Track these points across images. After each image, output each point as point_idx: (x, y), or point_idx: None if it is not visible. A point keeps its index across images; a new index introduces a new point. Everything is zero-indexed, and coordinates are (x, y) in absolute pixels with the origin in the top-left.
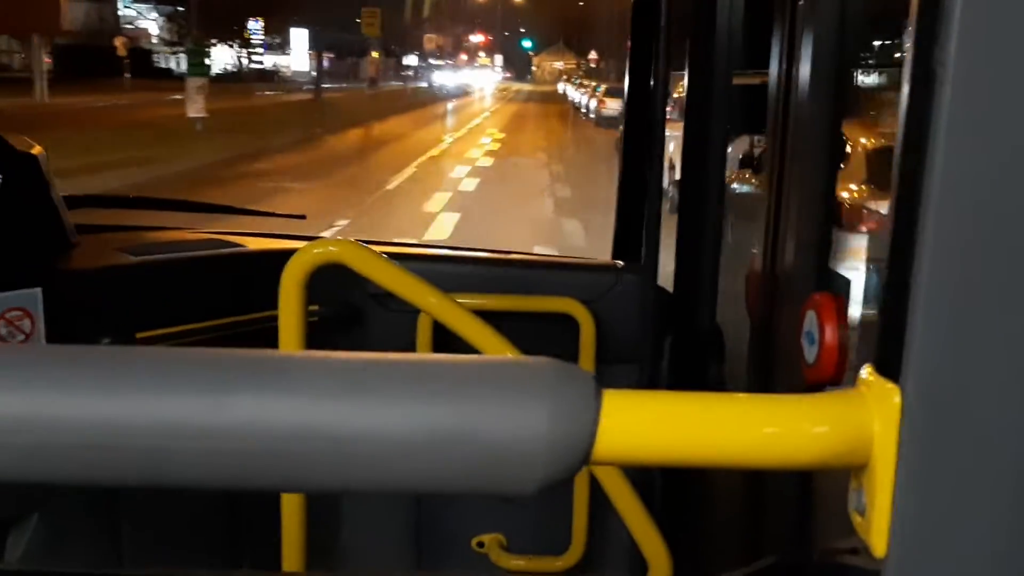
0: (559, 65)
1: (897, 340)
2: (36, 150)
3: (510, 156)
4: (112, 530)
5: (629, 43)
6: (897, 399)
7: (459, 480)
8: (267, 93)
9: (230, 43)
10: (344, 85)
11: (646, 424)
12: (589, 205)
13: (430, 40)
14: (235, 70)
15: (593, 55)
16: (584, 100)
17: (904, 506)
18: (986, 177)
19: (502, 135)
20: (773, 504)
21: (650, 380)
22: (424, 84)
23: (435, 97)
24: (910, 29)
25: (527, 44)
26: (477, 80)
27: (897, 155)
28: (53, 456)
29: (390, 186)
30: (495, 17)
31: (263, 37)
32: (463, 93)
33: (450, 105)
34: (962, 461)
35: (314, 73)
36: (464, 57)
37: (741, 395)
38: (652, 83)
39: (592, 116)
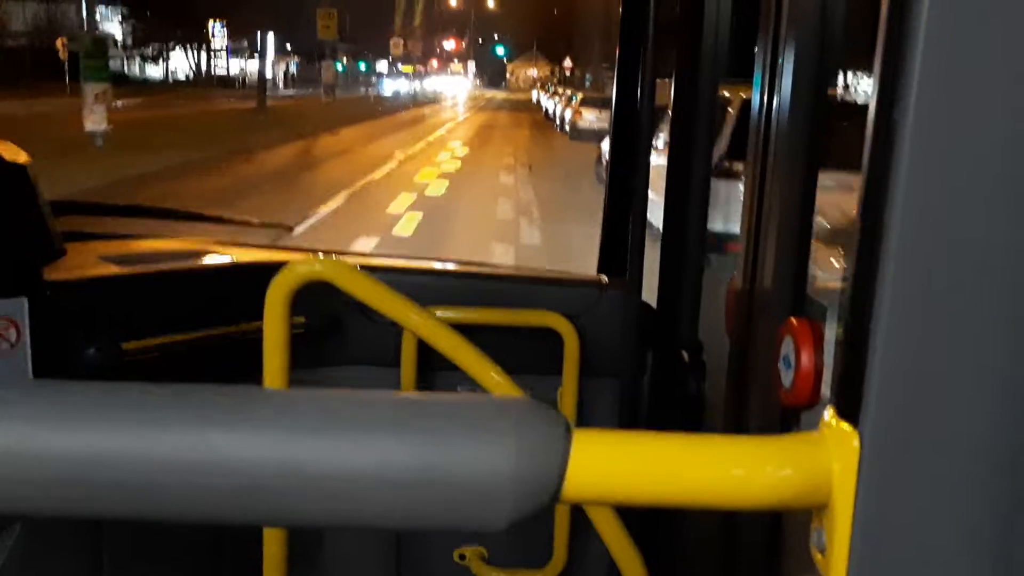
0: (533, 72)
1: (856, 386)
2: (23, 159)
3: (468, 180)
4: (94, 547)
5: (617, 56)
6: (856, 443)
7: (430, 517)
8: (210, 100)
9: (189, 46)
10: (309, 92)
11: (615, 465)
12: (561, 258)
13: (396, 45)
14: (194, 76)
15: (568, 63)
16: (558, 110)
17: (862, 546)
18: (944, 229)
19: (464, 151)
20: (746, 531)
21: (632, 395)
22: (390, 92)
23: (400, 106)
24: (875, 72)
25: (500, 51)
26: (449, 87)
27: (860, 203)
28: (34, 489)
29: (301, 227)
30: (468, 23)
31: (226, 41)
32: (431, 101)
33: (414, 114)
34: (918, 503)
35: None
36: (435, 64)
37: (708, 436)
38: (639, 97)
39: (567, 129)
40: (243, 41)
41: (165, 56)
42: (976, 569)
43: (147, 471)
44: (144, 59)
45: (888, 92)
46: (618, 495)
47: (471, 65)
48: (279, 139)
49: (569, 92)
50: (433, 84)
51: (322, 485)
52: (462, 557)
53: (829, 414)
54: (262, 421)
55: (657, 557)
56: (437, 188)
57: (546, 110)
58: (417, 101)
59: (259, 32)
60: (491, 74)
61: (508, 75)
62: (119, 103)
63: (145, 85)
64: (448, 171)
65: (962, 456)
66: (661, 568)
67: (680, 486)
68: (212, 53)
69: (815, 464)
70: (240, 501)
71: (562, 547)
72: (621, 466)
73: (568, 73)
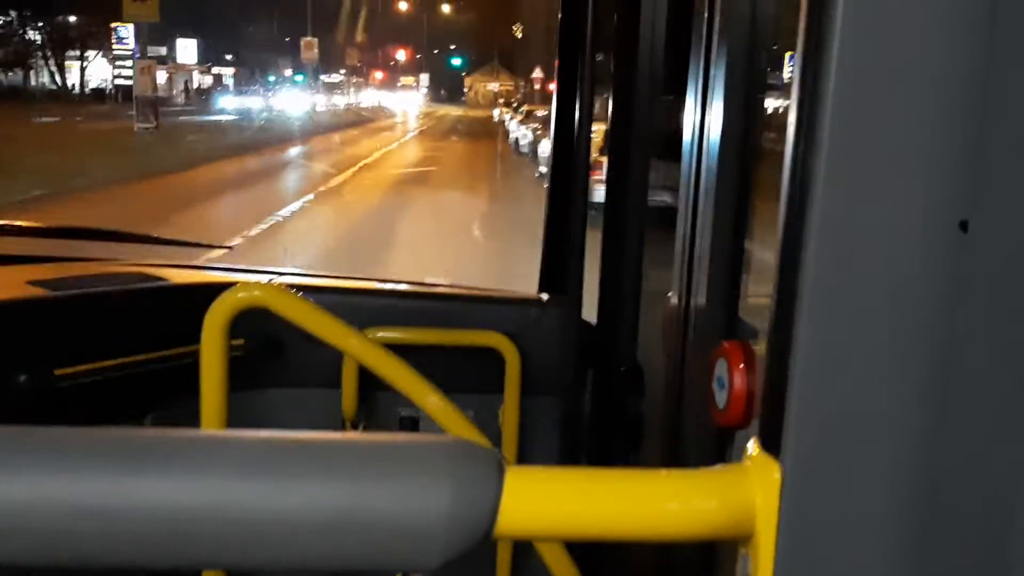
0: (494, 87)
1: (777, 418)
2: None
3: None
4: None
5: (556, 72)
6: (777, 475)
7: (362, 558)
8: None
9: (81, 56)
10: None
11: (547, 501)
12: None
13: (309, 47)
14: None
15: (538, 73)
16: (527, 137)
17: (785, 575)
18: (854, 271)
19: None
20: (685, 554)
21: (573, 413)
22: (298, 111)
23: (323, 127)
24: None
25: (457, 62)
26: (394, 103)
27: (780, 231)
28: None
29: None
30: (421, 32)
31: (130, 48)
32: (367, 120)
33: (334, 139)
34: (839, 534)
35: (231, 90)
36: (379, 75)
37: (636, 471)
38: (578, 115)
39: (543, 169)
40: (161, 48)
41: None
42: None
43: (67, 517)
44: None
45: (801, 143)
46: (550, 531)
47: (424, 78)
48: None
49: (542, 111)
50: (374, 99)
51: (249, 530)
52: None
53: (753, 446)
54: (186, 465)
55: None
56: None
57: (515, 140)
58: (353, 122)
59: (198, 40)
60: (448, 88)
61: (466, 89)
62: None
63: None
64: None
65: (881, 487)
66: None
67: (611, 521)
68: (118, 63)
69: (739, 496)
70: (163, 546)
71: (505, 572)
72: (553, 503)
73: (538, 86)
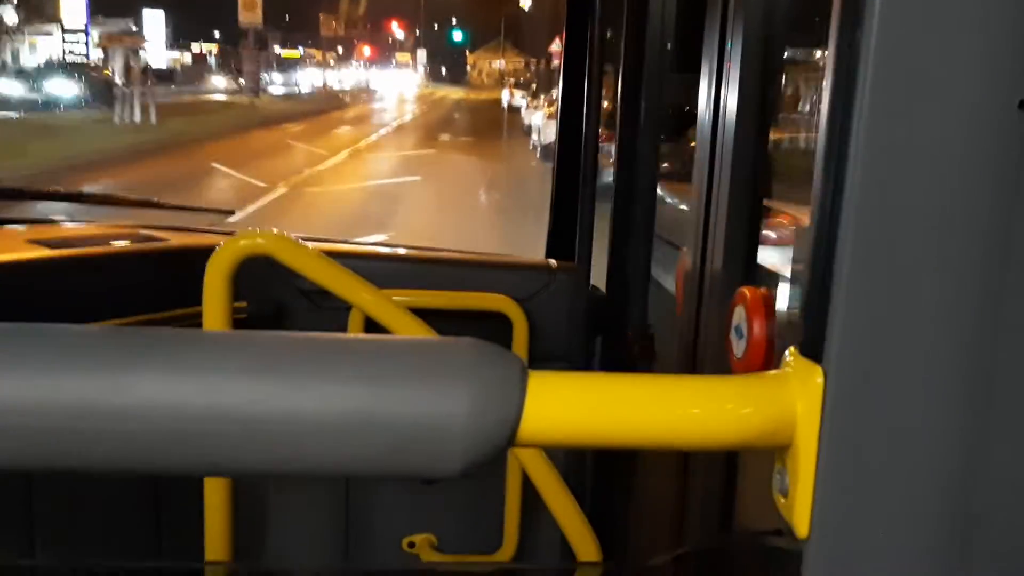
0: (500, 64)
1: (820, 322)
2: None
3: None
4: (25, 516)
5: (563, 44)
6: (820, 380)
7: (380, 461)
8: None
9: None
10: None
11: (572, 406)
12: None
13: (249, 4)
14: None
15: (557, 46)
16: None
17: (826, 486)
18: (901, 177)
19: None
20: (701, 488)
21: None
22: (300, 89)
23: (255, 120)
24: (831, 38)
25: (458, 36)
26: (389, 83)
27: (819, 154)
28: None
29: None
30: (418, 4)
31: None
32: (332, 108)
33: (248, 144)
34: (883, 442)
35: (184, 70)
36: (366, 51)
37: (666, 376)
38: (586, 82)
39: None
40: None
41: None
42: (942, 509)
43: (73, 417)
44: None
45: (847, 32)
46: (576, 436)
47: (421, 55)
48: None
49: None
50: (362, 78)
51: (258, 430)
52: (411, 545)
53: (791, 352)
54: (195, 363)
55: (609, 534)
56: None
57: (540, 145)
58: (324, 108)
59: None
60: (449, 67)
61: (469, 68)
62: None
63: None
64: None
65: (929, 391)
66: (612, 537)
67: (639, 426)
68: (68, 39)
69: (778, 402)
70: (166, 447)
71: (513, 532)
72: (578, 407)
73: (558, 61)
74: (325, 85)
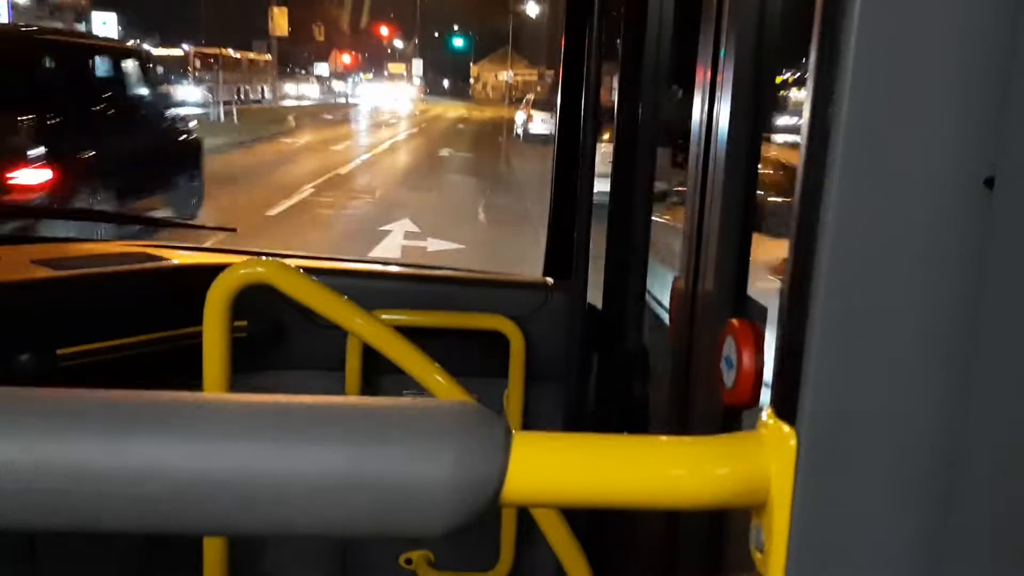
0: (507, 76)
1: (793, 386)
2: None
3: None
4: (27, 555)
5: (561, 61)
6: (793, 442)
7: (365, 524)
8: None
9: None
10: None
11: (555, 468)
12: None
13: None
14: None
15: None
16: None
17: (800, 544)
18: (871, 247)
19: None
20: (687, 532)
21: (577, 398)
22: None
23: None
24: (809, 78)
25: (459, 43)
26: (378, 96)
27: (793, 221)
28: None
29: None
30: (413, 8)
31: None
32: (261, 139)
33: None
34: (854, 502)
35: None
36: (346, 60)
37: (647, 438)
38: (584, 100)
39: None
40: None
41: None
42: (912, 565)
43: (73, 480)
44: None
45: (823, 92)
46: (559, 498)
47: (417, 65)
48: None
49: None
50: (342, 89)
51: (254, 494)
52: (408, 562)
53: (767, 414)
54: (187, 427)
55: (602, 559)
56: None
57: None
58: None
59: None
60: (451, 78)
61: (472, 80)
62: None
63: None
64: None
65: (898, 455)
66: (606, 570)
67: (620, 487)
68: None
69: (753, 463)
70: (168, 510)
71: (509, 550)
72: (561, 469)
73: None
74: (266, 99)
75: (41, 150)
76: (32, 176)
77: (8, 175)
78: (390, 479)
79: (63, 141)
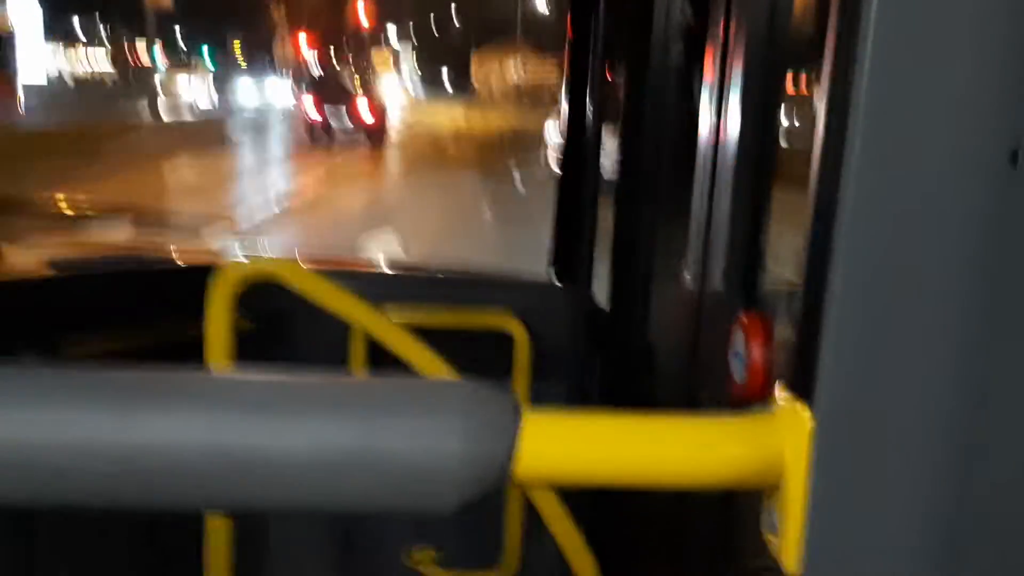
0: (515, 74)
1: (809, 364)
2: None
3: None
4: (26, 532)
5: (566, 63)
6: (808, 420)
7: (374, 500)
8: None
9: None
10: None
11: (566, 445)
12: None
13: None
14: None
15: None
16: None
17: (815, 525)
18: (891, 223)
19: None
20: (697, 521)
21: (582, 398)
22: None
23: None
24: (825, 64)
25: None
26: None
27: (812, 189)
28: None
29: None
30: None
31: None
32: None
33: None
34: (871, 481)
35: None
36: (307, 50)
37: (658, 417)
38: (589, 100)
39: None
40: None
41: None
42: (928, 548)
43: (69, 456)
44: None
45: (841, 69)
46: (569, 476)
47: (404, 54)
48: None
49: None
50: (288, 88)
51: (264, 469)
52: (413, 559)
53: (781, 394)
54: (193, 402)
55: (608, 553)
56: None
57: None
58: None
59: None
60: (450, 67)
61: (473, 74)
62: None
63: None
64: None
65: (915, 433)
66: (613, 567)
67: (631, 466)
68: None
69: (767, 443)
70: (166, 486)
71: (514, 548)
72: (572, 447)
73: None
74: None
75: None
76: None
77: None
78: (400, 455)
79: None
